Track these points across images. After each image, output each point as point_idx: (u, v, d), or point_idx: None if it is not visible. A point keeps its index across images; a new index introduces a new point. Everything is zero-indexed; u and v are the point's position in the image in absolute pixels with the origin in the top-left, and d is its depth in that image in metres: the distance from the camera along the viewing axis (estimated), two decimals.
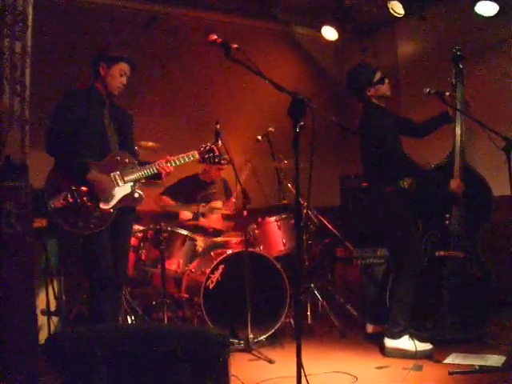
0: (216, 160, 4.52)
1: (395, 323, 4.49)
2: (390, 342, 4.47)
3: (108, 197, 3.99)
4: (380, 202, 4.77)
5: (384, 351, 4.50)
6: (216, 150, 4.53)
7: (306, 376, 2.99)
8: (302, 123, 2.95)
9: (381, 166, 4.72)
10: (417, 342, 4.39)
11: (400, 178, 4.68)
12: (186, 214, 5.88)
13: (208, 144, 4.53)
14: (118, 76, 4.10)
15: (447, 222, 4.74)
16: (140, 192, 4.17)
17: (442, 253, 4.71)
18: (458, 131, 4.77)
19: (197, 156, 4.44)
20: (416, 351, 4.33)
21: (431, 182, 4.72)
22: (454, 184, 4.66)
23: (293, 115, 2.97)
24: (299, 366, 2.87)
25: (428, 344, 4.40)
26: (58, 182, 3.91)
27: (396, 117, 4.94)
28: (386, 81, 4.80)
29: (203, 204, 5.62)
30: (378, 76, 4.78)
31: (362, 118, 4.86)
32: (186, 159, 4.39)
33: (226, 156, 4.69)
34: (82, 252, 3.98)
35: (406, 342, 4.42)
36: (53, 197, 3.84)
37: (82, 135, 3.97)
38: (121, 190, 4.07)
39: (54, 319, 4.75)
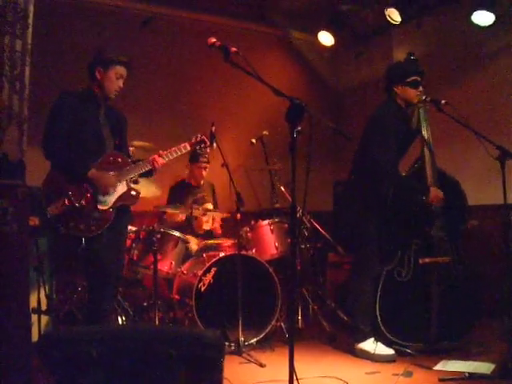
0: (207, 150, 4.64)
1: (357, 329, 4.70)
2: (356, 344, 4.68)
3: (109, 193, 4.01)
4: (349, 198, 4.86)
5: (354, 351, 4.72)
6: (207, 141, 4.61)
7: (298, 380, 3.00)
8: (299, 128, 2.96)
9: (365, 164, 4.77)
10: (380, 345, 4.53)
11: (376, 182, 4.70)
12: (179, 216, 5.90)
13: (199, 135, 4.66)
14: (115, 79, 4.08)
15: (429, 229, 4.68)
16: (136, 190, 4.18)
17: (427, 260, 4.65)
18: (426, 136, 4.74)
19: (188, 148, 4.54)
20: (374, 354, 4.50)
21: (409, 191, 4.70)
22: (434, 193, 4.63)
23: (290, 120, 2.97)
24: (291, 369, 2.87)
25: (390, 350, 4.52)
26: (55, 187, 3.90)
27: (411, 126, 4.87)
28: (420, 88, 4.72)
29: (196, 206, 5.63)
30: (413, 78, 4.73)
31: (376, 109, 4.86)
32: (178, 152, 4.44)
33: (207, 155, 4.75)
34: (83, 253, 3.98)
35: (369, 345, 4.59)
36: (51, 203, 3.84)
37: (77, 136, 3.97)
38: (117, 190, 4.08)
39: (44, 318, 4.73)
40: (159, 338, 2.32)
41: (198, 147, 4.62)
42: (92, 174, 3.94)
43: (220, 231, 6.21)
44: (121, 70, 4.11)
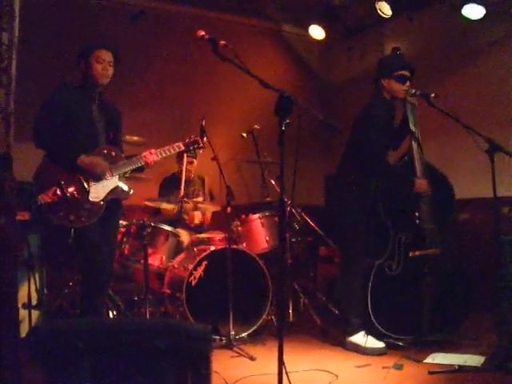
0: (200, 151, 4.66)
1: (348, 322, 4.70)
2: (347, 337, 4.67)
3: (103, 178, 4.01)
4: (337, 191, 4.86)
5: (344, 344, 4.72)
6: (200, 142, 4.63)
7: (287, 373, 3.00)
8: (288, 121, 2.96)
9: (353, 157, 4.78)
10: (370, 338, 4.53)
11: (365, 175, 4.70)
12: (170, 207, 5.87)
13: (193, 136, 4.67)
14: (96, 64, 4.06)
15: (418, 221, 4.68)
16: (128, 185, 4.19)
17: (417, 253, 4.65)
18: (413, 130, 4.74)
19: (182, 147, 4.55)
20: (365, 347, 4.50)
21: (399, 180, 4.71)
22: (420, 185, 4.63)
23: (279, 113, 2.98)
24: (280, 363, 2.87)
25: (380, 343, 4.52)
26: (47, 177, 3.91)
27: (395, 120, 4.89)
28: (407, 84, 4.73)
29: (186, 200, 5.62)
30: (400, 72, 4.73)
31: (365, 103, 4.85)
32: (172, 151, 4.45)
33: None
34: (74, 246, 3.99)
35: (359, 338, 4.59)
36: (41, 192, 3.83)
37: (70, 129, 3.97)
38: (109, 183, 4.09)
39: (35, 313, 4.73)
40: (147, 331, 2.32)
41: (191, 147, 4.63)
42: (81, 160, 3.93)
43: (209, 222, 6.22)
44: (101, 53, 4.07)
